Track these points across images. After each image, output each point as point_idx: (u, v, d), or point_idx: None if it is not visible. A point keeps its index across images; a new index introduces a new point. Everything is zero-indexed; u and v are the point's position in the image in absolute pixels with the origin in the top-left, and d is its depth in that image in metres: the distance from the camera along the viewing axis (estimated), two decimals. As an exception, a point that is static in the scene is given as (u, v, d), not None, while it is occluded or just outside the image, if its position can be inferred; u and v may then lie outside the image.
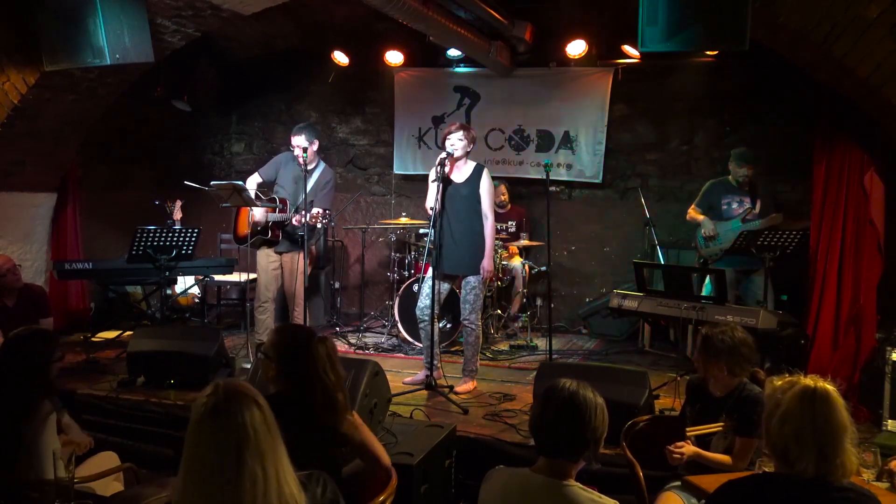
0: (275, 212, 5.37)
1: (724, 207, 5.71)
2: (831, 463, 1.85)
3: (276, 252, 5.53)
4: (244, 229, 5.62)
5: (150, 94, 6.87)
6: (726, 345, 2.99)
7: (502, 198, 6.88)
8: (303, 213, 5.14)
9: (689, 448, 2.94)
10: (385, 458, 2.59)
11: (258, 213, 5.45)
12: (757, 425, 2.02)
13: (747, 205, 5.63)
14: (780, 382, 1.98)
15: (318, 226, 5.25)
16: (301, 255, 5.35)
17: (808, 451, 1.85)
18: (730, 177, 5.76)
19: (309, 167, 5.36)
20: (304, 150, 5.28)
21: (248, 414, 1.64)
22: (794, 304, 5.57)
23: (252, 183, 5.59)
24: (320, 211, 5.16)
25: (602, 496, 2.07)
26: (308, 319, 5.54)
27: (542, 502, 2.06)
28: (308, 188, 5.29)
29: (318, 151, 5.62)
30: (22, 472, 2.63)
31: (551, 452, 2.10)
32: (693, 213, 5.86)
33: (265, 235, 5.42)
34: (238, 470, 1.59)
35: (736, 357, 2.99)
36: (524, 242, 6.73)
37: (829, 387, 1.92)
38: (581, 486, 2.07)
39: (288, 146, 5.72)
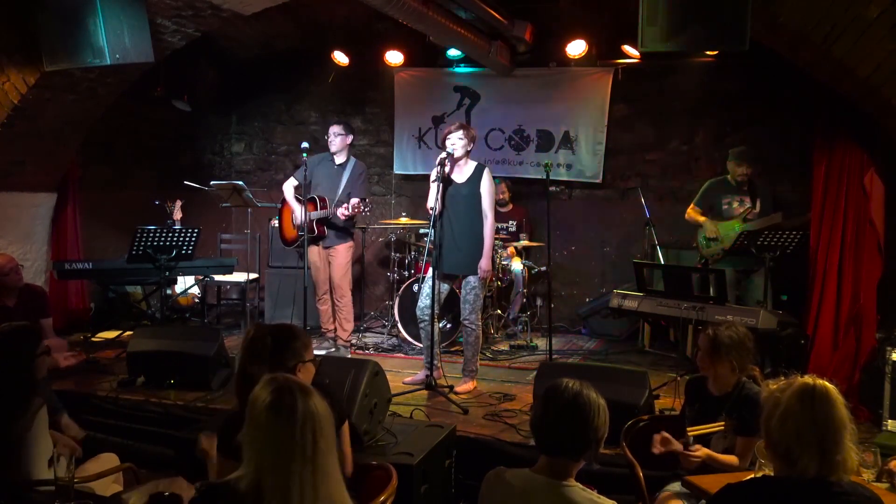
0: (316, 210, 5.61)
1: (725, 207, 5.71)
2: (832, 461, 1.85)
3: (324, 247, 5.79)
4: (291, 232, 5.96)
5: (150, 94, 6.87)
6: (733, 340, 3.07)
7: (502, 196, 6.86)
8: (345, 205, 5.48)
9: (702, 451, 2.92)
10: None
11: (299, 215, 5.73)
12: (757, 424, 2.03)
13: (747, 204, 5.63)
14: (775, 385, 1.99)
15: (362, 213, 5.53)
16: (345, 245, 5.76)
17: (810, 449, 1.85)
18: (728, 176, 5.76)
19: (339, 161, 5.75)
20: (337, 135, 5.68)
21: (314, 401, 1.76)
22: (794, 304, 5.56)
23: (289, 187, 5.91)
24: (359, 201, 5.49)
25: (601, 497, 2.07)
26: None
27: (542, 502, 2.06)
28: (344, 181, 5.68)
29: (351, 147, 5.87)
30: (13, 471, 2.62)
31: (552, 451, 2.11)
32: (693, 213, 5.85)
33: (311, 233, 5.65)
34: (314, 450, 1.70)
35: (742, 350, 3.07)
36: (524, 243, 6.72)
37: (828, 384, 1.93)
38: (581, 486, 2.08)
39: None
